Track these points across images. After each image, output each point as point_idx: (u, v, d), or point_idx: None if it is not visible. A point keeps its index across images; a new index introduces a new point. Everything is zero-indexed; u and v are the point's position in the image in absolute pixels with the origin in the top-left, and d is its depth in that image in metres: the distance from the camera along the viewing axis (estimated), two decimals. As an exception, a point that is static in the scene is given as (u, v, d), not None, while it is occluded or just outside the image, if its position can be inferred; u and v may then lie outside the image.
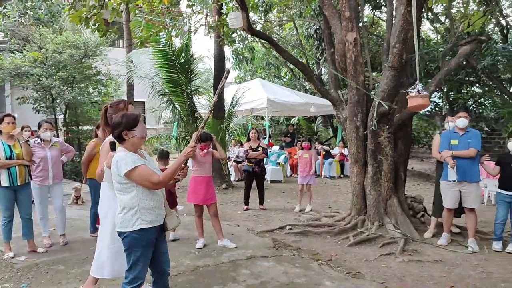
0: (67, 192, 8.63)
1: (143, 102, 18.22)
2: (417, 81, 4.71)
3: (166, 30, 8.12)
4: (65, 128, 12.14)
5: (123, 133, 2.92)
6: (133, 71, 10.89)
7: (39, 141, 5.30)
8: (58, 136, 11.81)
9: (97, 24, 6.55)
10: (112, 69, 12.53)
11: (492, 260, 4.84)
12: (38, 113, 11.33)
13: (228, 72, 3.71)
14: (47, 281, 4.20)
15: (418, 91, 4.68)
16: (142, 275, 2.96)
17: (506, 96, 11.36)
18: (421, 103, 4.73)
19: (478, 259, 4.88)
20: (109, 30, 7.04)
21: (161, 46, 9.56)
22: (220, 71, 10.41)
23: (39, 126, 5.35)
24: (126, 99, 12.95)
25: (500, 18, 11.36)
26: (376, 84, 7.21)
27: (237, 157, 11.24)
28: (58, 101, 11.42)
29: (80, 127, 12.49)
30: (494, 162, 5.50)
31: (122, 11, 10.13)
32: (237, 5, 6.51)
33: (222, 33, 8.67)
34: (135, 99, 13.28)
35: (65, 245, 5.38)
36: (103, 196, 3.60)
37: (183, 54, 9.86)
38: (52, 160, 5.32)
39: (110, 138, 3.40)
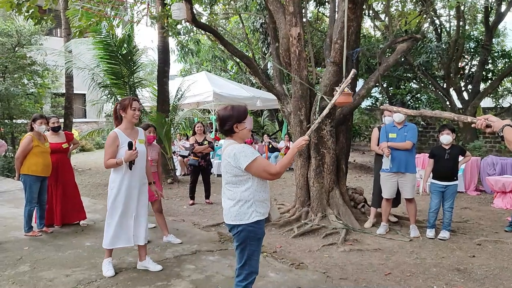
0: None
1: (84, 94, 17.49)
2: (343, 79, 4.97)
3: (108, 20, 7.79)
4: (-4, 122, 11.40)
5: (234, 126, 2.93)
6: (71, 62, 10.39)
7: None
8: (-12, 130, 11.07)
9: (30, 11, 6.16)
10: (49, 60, 11.90)
11: (425, 246, 5.13)
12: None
13: (355, 73, 3.71)
14: (-24, 285, 3.94)
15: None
16: (257, 269, 2.97)
17: (439, 92, 12.03)
18: (342, 100, 4.86)
19: (413, 246, 5.15)
20: (44, 18, 6.66)
21: (102, 36, 9.18)
22: (164, 63, 10.18)
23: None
24: (65, 91, 12.41)
25: (434, 18, 12.01)
26: (319, 79, 7.37)
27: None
28: (-13, 92, 10.70)
29: (14, 121, 11.78)
30: (428, 155, 5.82)
31: (58, -2, 9.59)
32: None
33: (166, 25, 8.45)
34: (75, 91, 12.72)
35: (-4, 246, 5.06)
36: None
37: (125, 45, 9.54)
38: (-20, 155, 4.98)
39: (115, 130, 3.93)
